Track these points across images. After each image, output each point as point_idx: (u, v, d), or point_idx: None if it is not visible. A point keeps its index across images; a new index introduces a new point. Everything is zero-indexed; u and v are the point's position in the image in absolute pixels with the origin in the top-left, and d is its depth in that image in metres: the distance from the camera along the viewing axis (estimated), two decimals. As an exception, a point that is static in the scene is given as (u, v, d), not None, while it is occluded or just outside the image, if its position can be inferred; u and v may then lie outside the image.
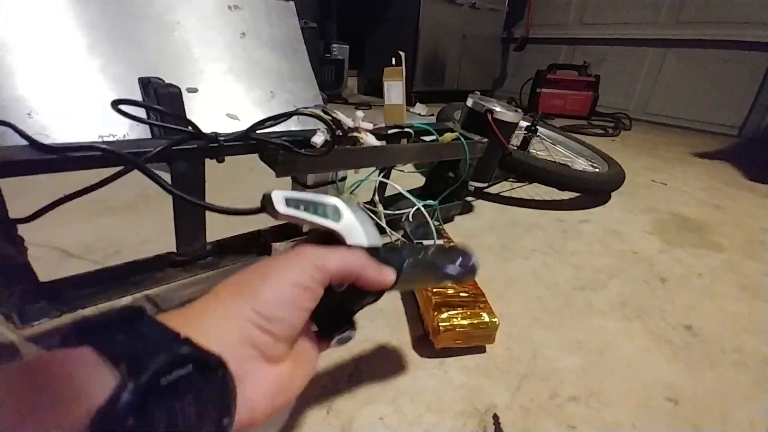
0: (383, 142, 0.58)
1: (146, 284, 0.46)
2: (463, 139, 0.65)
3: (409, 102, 2.37)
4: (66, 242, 0.65)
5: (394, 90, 1.12)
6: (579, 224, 0.83)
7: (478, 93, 0.78)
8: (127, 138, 1.19)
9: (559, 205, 0.94)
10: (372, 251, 0.27)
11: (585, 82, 2.20)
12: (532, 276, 0.62)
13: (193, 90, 1.40)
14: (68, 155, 0.33)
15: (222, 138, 0.41)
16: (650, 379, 0.43)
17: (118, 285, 0.44)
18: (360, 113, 0.53)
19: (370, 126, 0.54)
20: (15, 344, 0.44)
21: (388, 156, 0.56)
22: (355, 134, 0.52)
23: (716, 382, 0.44)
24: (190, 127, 0.39)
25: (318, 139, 0.47)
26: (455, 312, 0.44)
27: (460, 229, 0.78)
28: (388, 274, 0.27)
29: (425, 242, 0.56)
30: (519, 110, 0.75)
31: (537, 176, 0.87)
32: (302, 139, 0.47)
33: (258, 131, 0.45)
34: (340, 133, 0.49)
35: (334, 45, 2.27)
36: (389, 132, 0.58)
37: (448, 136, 0.64)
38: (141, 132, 1.08)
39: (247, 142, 0.43)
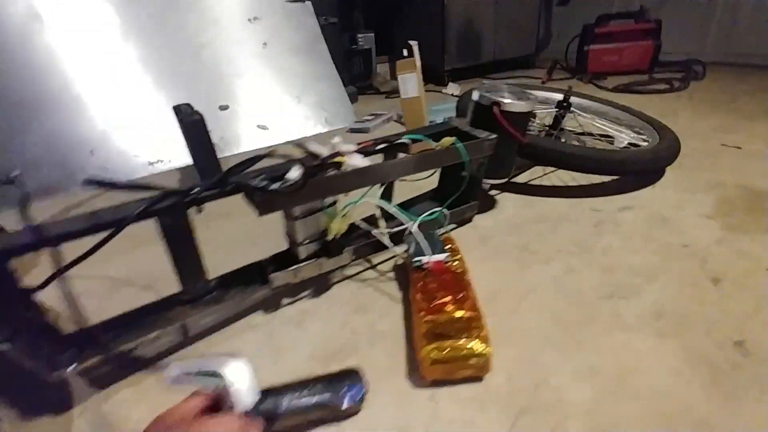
0: (377, 159, 0.56)
1: (160, 324, 0.50)
2: (460, 143, 0.60)
3: (441, 82, 2.27)
4: (116, 273, 0.73)
5: (409, 83, 1.07)
6: (618, 213, 0.74)
7: (486, 83, 0.72)
8: (171, 162, 1.31)
9: (597, 190, 0.84)
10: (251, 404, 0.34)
11: (643, 30, 1.90)
12: (552, 283, 0.57)
13: (225, 107, 1.48)
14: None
15: (198, 189, 0.43)
16: (678, 411, 0.38)
17: (136, 328, 0.49)
18: (337, 138, 0.51)
19: (352, 147, 0.52)
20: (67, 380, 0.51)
21: (376, 175, 0.54)
22: (338, 159, 0.51)
23: (763, 415, 0.37)
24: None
25: (293, 174, 0.46)
26: (445, 342, 0.42)
27: (477, 230, 0.73)
28: (256, 429, 0.33)
29: (423, 259, 0.53)
30: (532, 96, 0.68)
31: (563, 163, 0.78)
32: (281, 174, 0.47)
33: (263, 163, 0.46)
34: (317, 164, 0.48)
35: (360, 35, 2.23)
36: (378, 147, 0.56)
37: (447, 141, 0.60)
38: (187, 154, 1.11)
39: (223, 188, 0.44)
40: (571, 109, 0.97)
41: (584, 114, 1.00)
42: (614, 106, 1.08)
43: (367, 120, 1.52)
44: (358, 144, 0.53)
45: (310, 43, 1.65)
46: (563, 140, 0.95)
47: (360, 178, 0.52)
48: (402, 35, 2.52)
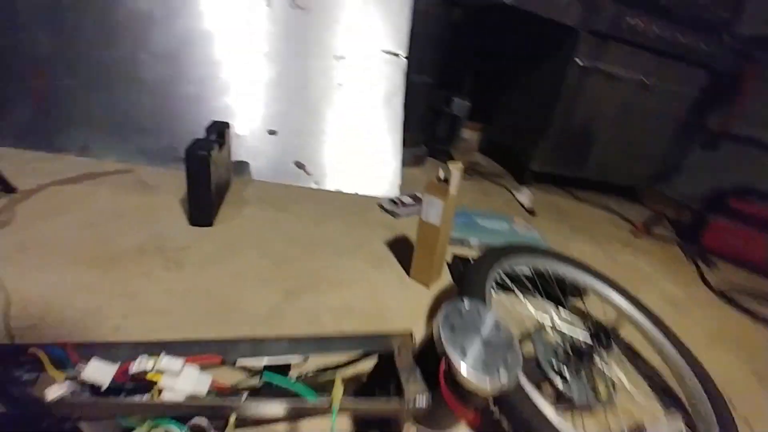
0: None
1: None
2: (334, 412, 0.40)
3: (520, 179, 2.01)
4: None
5: (434, 208, 0.88)
6: None
7: (465, 302, 0.51)
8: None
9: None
10: None
11: (795, 228, 1.45)
12: None
13: (273, 132, 1.43)
14: None
15: None
16: None
17: None
18: (146, 361, 0.35)
19: (177, 365, 0.36)
20: None
21: (194, 409, 0.37)
22: (152, 377, 0.36)
23: None
24: None
25: (55, 392, 0.32)
26: None
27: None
28: None
29: None
30: (502, 370, 0.45)
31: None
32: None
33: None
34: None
35: (456, 99, 2.07)
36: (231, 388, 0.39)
37: (335, 395, 0.41)
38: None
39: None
40: (613, 345, 0.69)
41: (626, 361, 0.72)
42: (680, 350, 0.77)
43: (404, 205, 1.35)
44: (186, 360, 0.37)
45: (387, 97, 1.54)
46: (585, 380, 0.69)
47: (171, 410, 0.36)
48: (504, 112, 2.31)
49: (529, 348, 0.76)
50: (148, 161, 1.29)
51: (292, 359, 0.43)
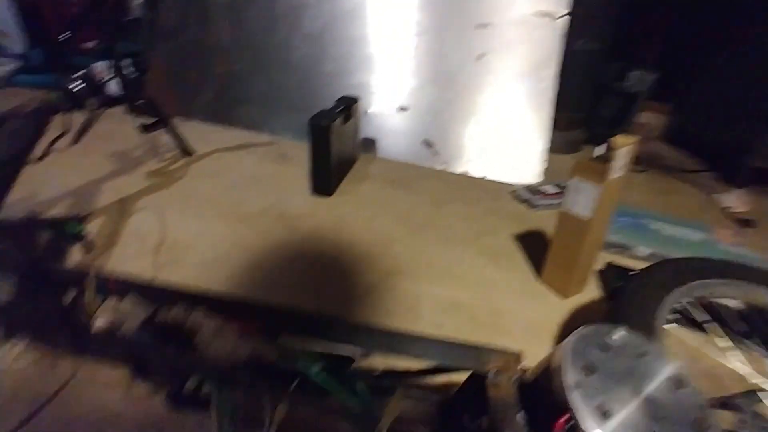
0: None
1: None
2: None
3: (731, 180, 1.44)
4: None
5: (583, 195, 0.65)
6: None
7: (619, 332, 0.31)
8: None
9: None
10: None
11: None
12: None
13: (404, 109, 1.37)
14: None
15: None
16: None
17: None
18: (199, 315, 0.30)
19: (213, 325, 0.30)
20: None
21: None
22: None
23: None
24: None
25: (100, 323, 0.30)
26: None
27: None
28: None
29: None
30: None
31: None
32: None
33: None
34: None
35: (633, 72, 1.62)
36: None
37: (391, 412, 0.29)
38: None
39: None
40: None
41: None
42: None
43: (545, 195, 1.11)
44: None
45: (536, 69, 1.29)
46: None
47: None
48: (704, 92, 1.71)
49: (725, 419, 0.48)
50: (292, 135, 1.39)
51: (349, 351, 0.33)
